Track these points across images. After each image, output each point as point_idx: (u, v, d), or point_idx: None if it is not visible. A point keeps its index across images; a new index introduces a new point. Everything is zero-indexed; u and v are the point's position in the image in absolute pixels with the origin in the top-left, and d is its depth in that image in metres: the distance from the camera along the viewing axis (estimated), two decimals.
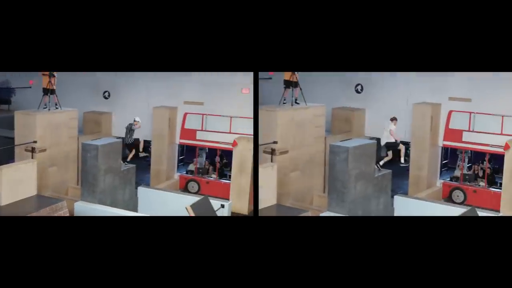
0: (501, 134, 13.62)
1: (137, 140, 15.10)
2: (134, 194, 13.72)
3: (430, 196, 14.15)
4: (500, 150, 13.28)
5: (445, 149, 15.04)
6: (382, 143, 13.33)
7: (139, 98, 16.21)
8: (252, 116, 12.67)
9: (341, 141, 12.13)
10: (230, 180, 14.76)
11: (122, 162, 13.74)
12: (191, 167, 16.24)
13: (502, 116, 13.63)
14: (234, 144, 14.50)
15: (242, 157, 14.37)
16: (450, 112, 14.42)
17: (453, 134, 14.46)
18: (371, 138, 14.04)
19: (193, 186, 15.84)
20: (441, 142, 14.64)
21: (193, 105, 15.86)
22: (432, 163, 14.61)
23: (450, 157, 15.25)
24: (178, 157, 16.23)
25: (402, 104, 14.72)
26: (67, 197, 14.23)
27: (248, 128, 14.40)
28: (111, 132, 16.82)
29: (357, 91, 15.56)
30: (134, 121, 14.76)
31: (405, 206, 12.27)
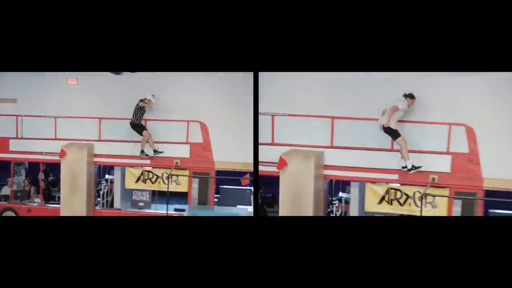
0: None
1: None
2: None
3: None
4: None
5: None
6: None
7: None
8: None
9: None
10: (59, 203, 13.50)
11: None
12: (5, 190, 14.58)
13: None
14: (62, 154, 13.12)
15: (73, 170, 13.09)
16: None
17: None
18: None
19: None
20: None
21: (2, 103, 14.00)
22: None
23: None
24: None
25: None
26: None
27: (79, 131, 13.44)
28: None
29: None
30: (145, 98, 12.74)
31: None
